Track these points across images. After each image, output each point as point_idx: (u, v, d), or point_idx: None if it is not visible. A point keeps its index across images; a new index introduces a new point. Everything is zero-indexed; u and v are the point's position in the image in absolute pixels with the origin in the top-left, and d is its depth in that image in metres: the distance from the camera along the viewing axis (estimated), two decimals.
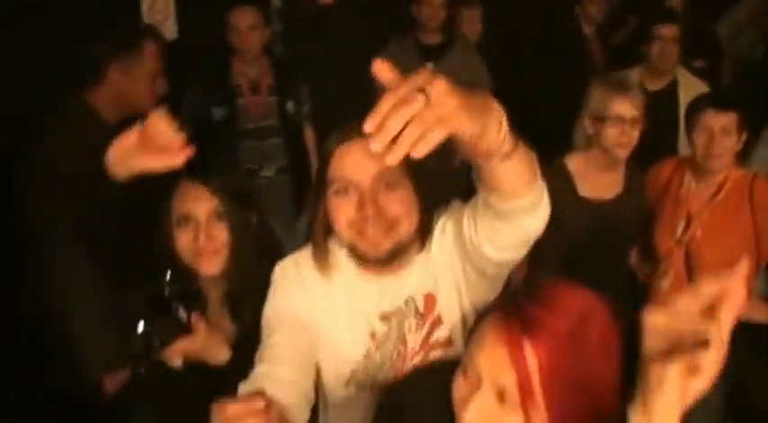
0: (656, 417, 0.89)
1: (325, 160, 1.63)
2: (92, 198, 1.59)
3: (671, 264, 2.85)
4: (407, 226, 1.61)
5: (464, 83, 0.99)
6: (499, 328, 1.13)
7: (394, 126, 0.92)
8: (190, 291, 1.77)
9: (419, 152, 0.93)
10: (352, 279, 1.70)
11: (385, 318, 1.69)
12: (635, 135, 2.69)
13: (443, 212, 1.72)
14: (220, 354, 1.70)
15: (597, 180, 2.84)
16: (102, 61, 2.54)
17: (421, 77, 0.95)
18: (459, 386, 1.18)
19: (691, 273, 2.81)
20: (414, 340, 1.70)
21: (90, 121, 2.45)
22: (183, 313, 1.64)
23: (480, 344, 1.15)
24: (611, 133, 2.68)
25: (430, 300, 1.69)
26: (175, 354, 1.66)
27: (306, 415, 1.59)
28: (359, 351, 1.70)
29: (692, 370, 0.84)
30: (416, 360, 1.68)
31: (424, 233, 1.66)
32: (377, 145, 0.94)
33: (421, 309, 1.69)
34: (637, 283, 3.04)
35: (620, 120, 2.67)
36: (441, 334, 1.69)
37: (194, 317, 1.65)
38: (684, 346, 0.84)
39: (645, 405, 0.90)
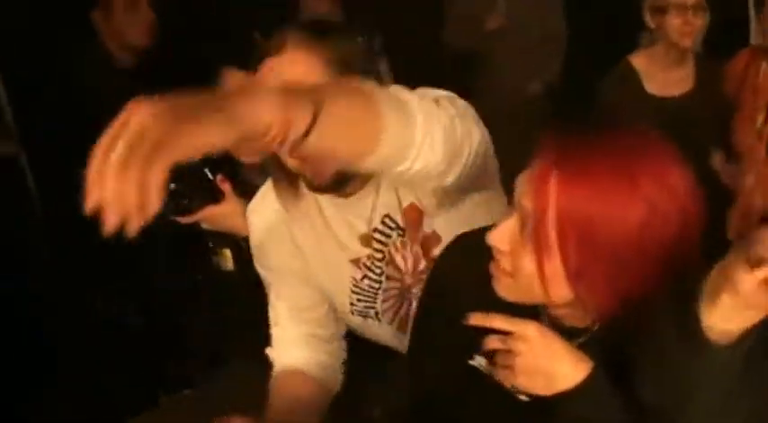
0: None
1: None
2: None
3: (753, 159, 2.73)
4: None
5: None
6: (540, 150, 1.03)
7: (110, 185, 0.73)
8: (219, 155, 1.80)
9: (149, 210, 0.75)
10: (322, 206, 1.52)
11: (364, 240, 1.53)
12: (699, 23, 2.61)
13: None
14: (245, 226, 1.68)
15: (665, 77, 2.77)
16: (87, 11, 2.62)
17: (125, 113, 0.76)
18: (505, 211, 1.11)
19: None
20: (406, 259, 1.53)
21: (103, 67, 2.54)
22: (209, 174, 1.69)
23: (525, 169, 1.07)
24: (673, 23, 2.62)
25: (413, 212, 1.50)
26: (202, 218, 1.70)
27: (333, 363, 1.58)
28: (345, 281, 1.57)
29: None
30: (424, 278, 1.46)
31: None
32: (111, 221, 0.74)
33: (401, 223, 1.50)
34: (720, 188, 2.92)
35: (682, 7, 2.58)
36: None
37: (220, 177, 1.69)
38: None
39: None
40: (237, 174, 1.84)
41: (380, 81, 1.40)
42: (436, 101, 1.20)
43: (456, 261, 1.31)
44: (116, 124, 0.75)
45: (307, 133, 0.88)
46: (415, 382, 1.35)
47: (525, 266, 1.03)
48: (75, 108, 2.29)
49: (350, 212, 1.51)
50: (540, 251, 1.00)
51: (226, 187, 1.72)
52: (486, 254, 1.11)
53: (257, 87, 0.89)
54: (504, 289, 1.09)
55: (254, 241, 1.61)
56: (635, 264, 0.97)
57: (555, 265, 1.00)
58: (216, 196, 1.71)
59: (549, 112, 3.86)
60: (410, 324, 1.46)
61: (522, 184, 1.04)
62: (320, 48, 1.32)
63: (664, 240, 0.97)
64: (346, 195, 1.47)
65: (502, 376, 1.10)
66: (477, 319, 1.10)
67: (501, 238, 1.05)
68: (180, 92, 0.79)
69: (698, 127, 2.75)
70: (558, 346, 1.05)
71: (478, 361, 1.20)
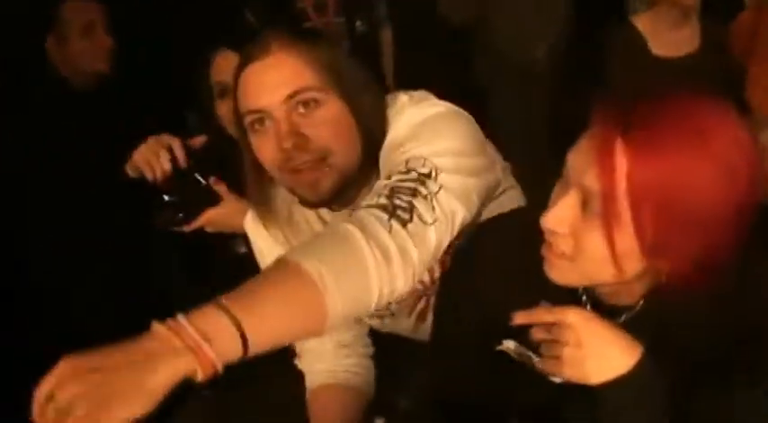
0: None
1: (234, 93, 1.35)
2: None
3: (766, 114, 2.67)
4: (344, 153, 1.29)
5: None
6: (597, 121, 0.96)
7: None
8: (207, 157, 1.75)
9: None
10: (320, 212, 1.46)
11: None
12: None
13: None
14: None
15: (670, 37, 2.71)
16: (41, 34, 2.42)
17: (57, 370, 0.84)
18: (555, 190, 1.03)
19: None
20: (432, 270, 1.44)
21: (56, 90, 2.40)
22: (200, 179, 1.65)
23: (578, 140, 1.00)
24: None
25: None
26: (204, 223, 1.67)
27: (361, 362, 1.57)
28: None
29: None
30: None
31: (374, 153, 1.33)
32: None
33: None
34: None
35: None
36: None
37: (213, 179, 1.66)
38: None
39: None
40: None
41: (369, 83, 1.34)
42: (410, 208, 1.12)
43: (478, 249, 1.25)
44: (49, 379, 0.83)
45: (245, 349, 0.89)
46: (438, 373, 1.30)
47: (592, 245, 0.96)
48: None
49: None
50: (610, 227, 0.93)
51: (221, 188, 1.67)
52: (512, 239, 1.08)
53: (171, 341, 0.86)
54: (560, 273, 1.03)
55: (258, 256, 1.55)
56: (710, 224, 0.92)
57: (628, 240, 0.94)
58: (213, 200, 1.67)
59: (552, 75, 3.79)
60: (430, 316, 1.41)
61: (578, 159, 0.97)
62: (306, 52, 1.27)
63: (736, 196, 0.92)
64: (348, 206, 1.39)
65: (548, 367, 1.04)
66: (521, 318, 1.05)
67: (559, 220, 0.98)
68: (101, 351, 0.85)
69: (706, 86, 2.68)
70: (605, 331, 0.99)
71: (506, 345, 1.15)
